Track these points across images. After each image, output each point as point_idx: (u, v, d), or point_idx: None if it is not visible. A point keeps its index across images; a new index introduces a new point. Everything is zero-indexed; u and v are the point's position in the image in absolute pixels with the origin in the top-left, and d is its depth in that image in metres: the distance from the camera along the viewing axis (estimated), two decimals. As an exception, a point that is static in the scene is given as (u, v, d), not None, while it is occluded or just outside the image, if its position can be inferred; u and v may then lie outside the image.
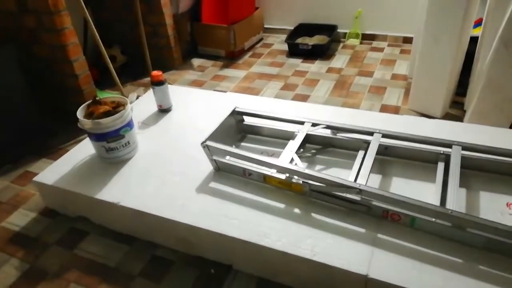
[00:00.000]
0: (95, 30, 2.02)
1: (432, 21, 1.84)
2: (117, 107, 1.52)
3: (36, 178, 1.54)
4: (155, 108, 1.91)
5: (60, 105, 2.18)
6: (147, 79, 2.60)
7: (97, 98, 1.54)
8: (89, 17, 2.01)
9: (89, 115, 1.48)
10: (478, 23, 2.05)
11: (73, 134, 2.03)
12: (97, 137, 1.48)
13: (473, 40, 1.93)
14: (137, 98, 2.34)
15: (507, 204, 1.23)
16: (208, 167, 1.48)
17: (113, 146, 1.51)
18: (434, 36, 1.86)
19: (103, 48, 2.06)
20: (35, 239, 1.49)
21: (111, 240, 1.45)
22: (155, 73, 1.79)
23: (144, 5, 2.53)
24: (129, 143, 1.55)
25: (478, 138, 1.37)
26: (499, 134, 1.53)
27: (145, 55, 2.55)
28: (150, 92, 1.95)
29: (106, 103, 1.52)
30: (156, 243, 1.41)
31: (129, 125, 1.53)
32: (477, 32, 1.94)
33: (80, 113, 1.48)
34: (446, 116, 2.04)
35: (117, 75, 2.19)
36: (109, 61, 2.11)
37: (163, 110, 1.90)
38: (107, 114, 1.46)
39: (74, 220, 1.54)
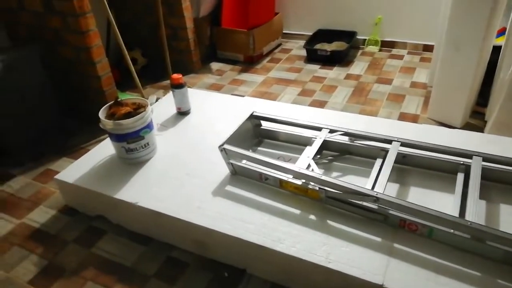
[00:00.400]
0: (118, 32, 2.06)
1: (454, 29, 1.82)
2: (138, 108, 1.55)
3: (57, 176, 1.58)
4: (174, 111, 1.93)
5: (81, 105, 2.23)
6: (167, 82, 2.64)
7: (118, 100, 1.57)
8: (112, 19, 2.05)
9: (110, 115, 1.51)
10: (501, 32, 2.01)
11: (94, 134, 2.08)
12: (117, 138, 1.51)
13: (496, 49, 1.90)
14: (157, 100, 2.37)
15: (528, 218, 1.20)
16: (225, 171, 1.49)
17: (133, 147, 1.53)
18: (456, 44, 1.83)
19: (125, 50, 2.10)
20: (54, 236, 1.52)
21: (128, 240, 1.47)
22: (175, 76, 1.82)
23: (166, 8, 2.57)
24: (148, 144, 1.57)
25: (500, 150, 1.35)
26: (521, 146, 1.50)
27: (165, 58, 2.59)
28: (170, 94, 1.97)
29: (128, 105, 1.55)
30: (172, 244, 1.43)
31: (149, 126, 1.55)
32: (500, 41, 1.91)
33: (102, 113, 1.52)
34: (466, 126, 2.01)
35: (138, 77, 2.23)
36: (131, 63, 2.15)
37: (182, 113, 1.92)
38: (128, 115, 1.49)
39: (93, 219, 1.57)
